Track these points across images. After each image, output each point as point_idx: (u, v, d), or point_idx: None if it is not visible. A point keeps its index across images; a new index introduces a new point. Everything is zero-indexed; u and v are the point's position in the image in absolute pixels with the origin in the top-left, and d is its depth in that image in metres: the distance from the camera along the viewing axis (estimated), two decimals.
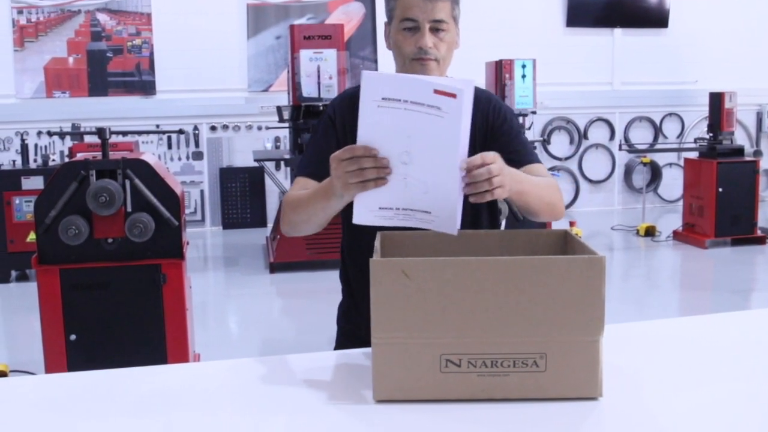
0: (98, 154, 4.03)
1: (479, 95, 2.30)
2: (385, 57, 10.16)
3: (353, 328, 2.48)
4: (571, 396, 1.69)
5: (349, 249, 2.46)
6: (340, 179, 1.84)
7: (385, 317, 1.67)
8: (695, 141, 9.18)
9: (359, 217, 1.87)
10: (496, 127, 2.32)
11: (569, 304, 1.65)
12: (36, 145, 9.51)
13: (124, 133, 5.31)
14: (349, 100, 2.31)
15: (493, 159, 1.82)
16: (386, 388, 1.70)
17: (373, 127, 1.77)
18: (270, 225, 9.66)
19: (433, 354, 1.68)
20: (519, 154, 2.29)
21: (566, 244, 1.98)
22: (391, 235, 1.98)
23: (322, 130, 2.34)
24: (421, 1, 2.14)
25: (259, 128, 10.12)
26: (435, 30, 2.17)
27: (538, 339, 1.67)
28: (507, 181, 1.86)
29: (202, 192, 10.22)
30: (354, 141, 1.86)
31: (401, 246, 1.99)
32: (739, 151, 8.46)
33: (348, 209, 2.14)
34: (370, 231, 1.92)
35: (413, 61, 2.19)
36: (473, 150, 2.11)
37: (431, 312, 1.66)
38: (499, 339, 1.67)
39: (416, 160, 1.78)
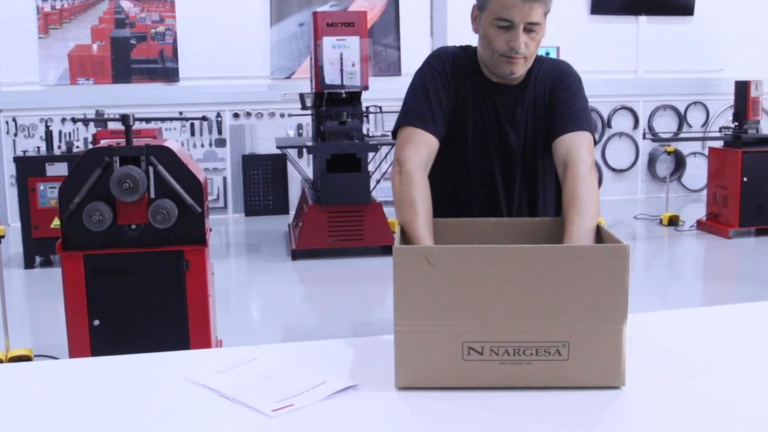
0: (122, 141, 4.05)
1: (553, 67, 2.40)
2: (408, 43, 10.16)
3: None
4: (593, 385, 1.68)
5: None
6: None
7: (407, 304, 1.67)
8: (720, 130, 9.09)
9: None
10: (558, 90, 2.36)
11: (592, 292, 1.65)
12: (60, 132, 9.56)
13: (148, 120, 5.34)
14: (450, 59, 2.37)
15: None
16: (408, 375, 1.71)
17: None
18: (292, 212, 9.67)
19: (456, 342, 1.68)
20: (567, 121, 2.30)
21: (596, 234, 1.97)
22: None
23: (429, 76, 2.35)
24: (520, 2, 2.14)
25: (282, 115, 10.12)
26: (528, 30, 2.18)
27: (560, 328, 1.66)
28: None
29: (224, 179, 10.25)
30: (457, 91, 2.18)
31: (436, 234, 2.02)
32: (765, 140, 8.37)
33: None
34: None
35: (502, 57, 2.22)
36: (534, 115, 2.31)
37: (454, 300, 1.66)
38: (522, 327, 1.67)
39: None
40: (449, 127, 2.34)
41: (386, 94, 9.24)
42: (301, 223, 7.69)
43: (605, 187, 10.89)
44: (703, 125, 11.21)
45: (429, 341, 1.69)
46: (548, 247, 1.67)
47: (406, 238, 2.04)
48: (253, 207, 10.20)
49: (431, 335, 1.68)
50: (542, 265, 1.65)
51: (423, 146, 2.24)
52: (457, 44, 2.46)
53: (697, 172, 11.07)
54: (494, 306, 1.66)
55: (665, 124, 11.11)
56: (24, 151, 7.66)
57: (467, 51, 2.41)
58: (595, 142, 2.32)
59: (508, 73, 2.27)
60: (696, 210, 9.58)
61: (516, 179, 2.41)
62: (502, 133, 2.36)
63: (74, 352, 3.80)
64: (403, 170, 2.19)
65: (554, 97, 2.34)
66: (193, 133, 10.06)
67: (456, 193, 2.43)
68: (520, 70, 2.27)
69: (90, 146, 7.01)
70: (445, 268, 1.65)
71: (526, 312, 1.66)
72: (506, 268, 1.65)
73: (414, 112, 2.31)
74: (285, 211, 10.13)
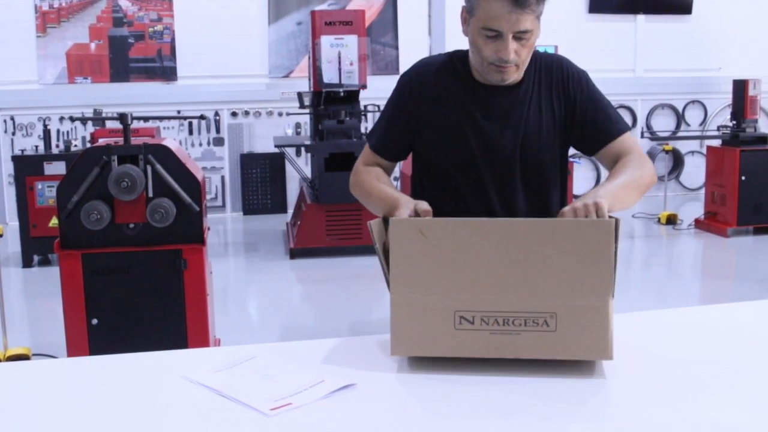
0: (120, 140, 4.04)
1: (551, 63, 2.33)
2: (407, 42, 10.15)
3: None
4: (581, 357, 1.73)
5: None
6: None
7: (402, 274, 1.75)
8: (718, 129, 9.09)
9: None
10: (580, 100, 2.30)
11: (578, 266, 1.69)
12: (58, 131, 9.56)
13: (146, 119, 5.34)
14: (427, 74, 2.34)
15: (593, 211, 1.89)
16: (403, 344, 1.77)
17: None
18: (290, 211, 9.67)
19: (448, 311, 1.74)
20: (607, 128, 2.30)
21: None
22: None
23: (395, 101, 2.37)
24: (507, 12, 2.04)
25: (280, 114, 10.12)
26: (518, 38, 2.10)
27: (547, 299, 1.71)
28: (605, 212, 1.90)
29: (222, 178, 10.25)
30: (434, 111, 2.19)
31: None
32: (763, 139, 8.38)
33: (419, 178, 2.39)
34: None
35: (491, 65, 2.15)
36: (551, 114, 2.26)
37: (446, 270, 1.72)
38: (510, 297, 1.72)
39: None
40: (449, 142, 2.30)
41: (384, 93, 9.13)
42: (299, 222, 7.69)
43: None
44: (701, 124, 11.22)
45: (423, 311, 1.75)
46: (535, 221, 1.73)
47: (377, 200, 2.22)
48: (251, 206, 10.20)
49: (425, 305, 1.74)
50: (530, 238, 1.71)
51: (367, 158, 2.43)
52: (449, 50, 2.40)
53: (695, 170, 11.07)
54: (484, 277, 1.72)
55: (663, 123, 11.12)
56: (22, 150, 7.66)
57: (456, 58, 2.34)
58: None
59: (498, 81, 2.20)
60: (694, 209, 9.58)
61: (516, 183, 2.34)
62: (500, 136, 2.28)
63: (72, 350, 3.80)
64: (355, 176, 2.42)
65: (578, 107, 2.29)
66: (191, 132, 10.06)
67: (458, 194, 2.38)
68: (512, 77, 2.19)
69: (88, 145, 7.02)
70: (438, 240, 1.73)
71: (514, 283, 1.72)
72: (495, 240, 1.72)
73: (376, 134, 2.42)
74: (283, 209, 10.13)
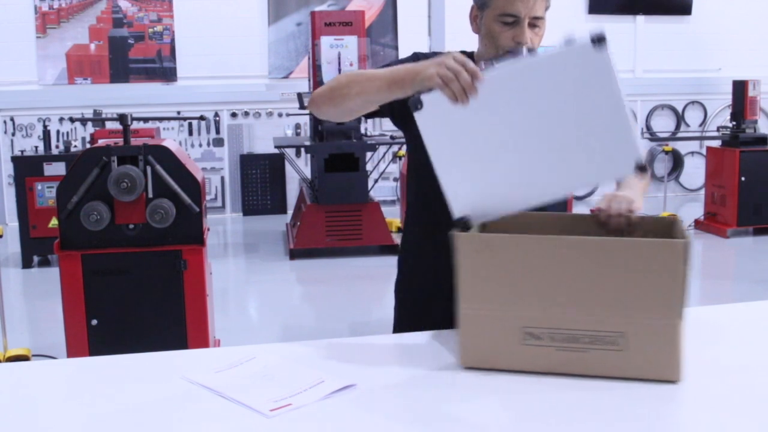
0: (120, 141, 4.05)
1: None
2: (406, 42, 10.16)
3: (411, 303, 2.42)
4: (649, 377, 1.71)
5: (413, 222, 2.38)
6: (437, 66, 1.78)
7: (470, 289, 1.76)
8: (718, 129, 9.10)
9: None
10: None
11: (649, 285, 1.67)
12: (58, 132, 9.56)
13: (146, 120, 5.34)
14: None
15: (629, 209, 1.95)
16: (471, 356, 1.79)
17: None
18: (290, 211, 9.68)
19: (515, 326, 1.75)
20: None
21: (672, 229, 1.99)
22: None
23: (394, 62, 2.25)
24: None
25: (280, 115, 10.13)
26: (532, 25, 2.13)
27: (616, 319, 1.70)
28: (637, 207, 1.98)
29: (222, 178, 10.25)
30: None
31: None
32: (763, 139, 8.38)
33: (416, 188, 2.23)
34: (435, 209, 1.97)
35: (507, 54, 2.14)
36: None
37: (514, 286, 1.73)
38: (579, 316, 1.71)
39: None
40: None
41: None
42: (299, 223, 7.69)
43: (603, 187, 10.88)
44: (700, 125, 11.22)
45: (490, 325, 1.76)
46: (605, 240, 1.72)
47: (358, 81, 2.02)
48: (251, 206, 10.20)
49: (492, 319, 1.76)
50: (600, 256, 1.69)
51: None
52: (455, 49, 2.40)
53: (694, 171, 11.08)
54: (552, 294, 1.71)
55: (663, 124, 11.12)
56: (22, 151, 7.66)
57: (463, 53, 2.32)
58: None
59: None
60: (694, 209, 9.59)
61: None
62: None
63: (72, 351, 3.80)
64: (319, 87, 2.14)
65: None
66: (191, 133, 10.06)
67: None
68: None
69: (88, 146, 7.02)
70: (506, 256, 1.72)
71: (582, 300, 1.70)
72: (564, 257, 1.70)
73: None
74: (283, 210, 10.13)
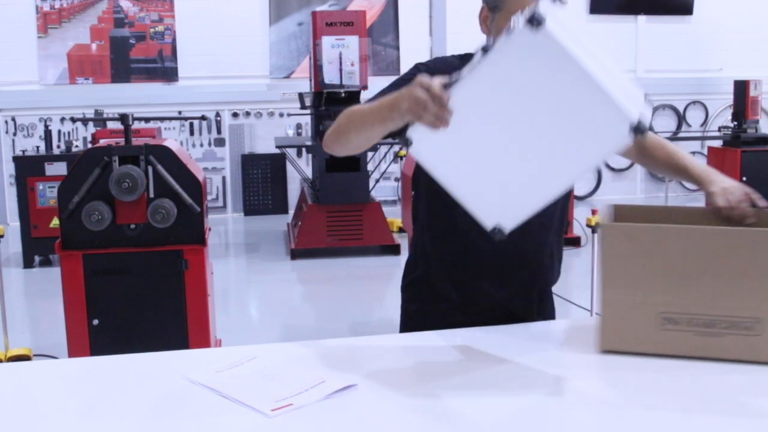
0: (121, 140, 4.05)
1: None
2: (408, 42, 10.17)
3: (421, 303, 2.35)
4: None
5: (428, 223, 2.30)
6: (407, 100, 1.73)
7: (612, 276, 1.86)
8: (719, 129, 9.09)
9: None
10: None
11: None
12: (59, 131, 9.56)
13: (147, 120, 5.35)
14: (446, 67, 2.13)
15: (744, 197, 2.01)
16: (611, 339, 1.88)
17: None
18: (291, 212, 9.68)
19: (654, 312, 1.84)
20: None
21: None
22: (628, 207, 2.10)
23: (410, 75, 2.13)
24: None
25: (281, 115, 10.13)
26: None
27: (753, 305, 1.78)
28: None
29: (224, 178, 10.25)
30: None
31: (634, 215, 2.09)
32: (764, 139, 8.37)
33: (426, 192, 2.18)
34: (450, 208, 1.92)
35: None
36: None
37: (654, 273, 1.83)
38: (715, 302, 1.80)
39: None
40: None
41: None
42: (300, 223, 7.69)
43: (604, 187, 10.89)
44: (702, 125, 11.22)
45: (630, 310, 1.85)
46: (741, 230, 1.81)
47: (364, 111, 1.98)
48: (252, 206, 10.21)
49: (633, 304, 1.84)
50: (738, 245, 1.78)
51: None
52: (452, 52, 2.33)
53: None
54: (690, 281, 1.81)
55: (664, 124, 11.12)
56: (23, 151, 7.66)
57: (471, 55, 2.32)
58: None
59: None
60: None
61: None
62: None
63: (73, 351, 3.80)
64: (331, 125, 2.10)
65: None
66: (192, 133, 10.07)
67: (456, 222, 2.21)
68: None
69: (89, 146, 7.02)
70: (647, 245, 1.82)
71: (721, 288, 1.79)
72: (703, 246, 1.79)
73: (374, 98, 2.12)
74: (284, 210, 10.13)
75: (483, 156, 1.75)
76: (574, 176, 1.81)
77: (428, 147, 1.75)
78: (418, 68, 2.20)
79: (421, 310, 2.30)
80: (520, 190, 1.78)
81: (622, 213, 2.06)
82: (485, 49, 1.63)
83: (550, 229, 2.30)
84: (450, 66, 2.21)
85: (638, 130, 1.61)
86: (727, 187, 2.05)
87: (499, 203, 1.80)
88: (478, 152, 1.74)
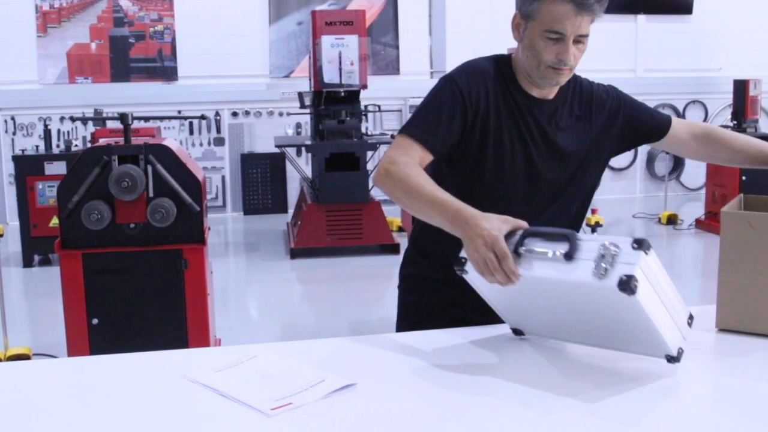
0: (120, 140, 4.05)
1: (584, 83, 2.34)
2: (407, 42, 10.16)
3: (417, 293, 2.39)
4: None
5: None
6: (474, 244, 1.78)
7: (730, 260, 2.02)
8: None
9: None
10: (620, 113, 2.35)
11: None
12: (59, 131, 9.56)
13: (146, 119, 5.35)
14: (478, 78, 2.19)
15: None
16: (729, 319, 2.03)
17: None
18: (291, 211, 9.68)
19: None
20: (656, 121, 2.40)
21: None
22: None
23: (449, 100, 2.16)
24: (573, 14, 2.06)
25: (281, 114, 10.13)
26: (577, 41, 2.11)
27: None
28: None
29: (223, 178, 10.25)
30: (492, 128, 2.11)
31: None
32: (764, 138, 8.36)
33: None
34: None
35: (549, 68, 2.11)
36: (595, 135, 2.29)
37: None
38: None
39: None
40: (477, 150, 2.20)
41: (385, 93, 9.24)
42: (299, 222, 7.69)
43: (604, 186, 10.83)
44: None
45: (747, 292, 1.99)
46: None
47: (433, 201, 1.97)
48: (251, 206, 10.21)
49: (749, 287, 1.99)
50: None
51: (412, 153, 2.11)
52: (490, 54, 2.31)
53: (695, 170, 11.07)
54: None
55: None
56: (23, 150, 7.66)
57: (501, 62, 2.26)
58: None
59: (553, 84, 2.18)
60: (695, 209, 9.59)
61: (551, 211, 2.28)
62: (550, 149, 2.23)
63: (73, 350, 3.80)
64: (393, 166, 2.07)
65: (627, 118, 2.35)
66: (191, 132, 10.07)
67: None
68: (565, 80, 2.18)
69: (89, 145, 7.02)
70: (765, 232, 1.95)
71: None
72: None
73: (420, 124, 2.16)
74: (284, 209, 10.13)
75: (530, 305, 1.88)
76: (603, 347, 1.87)
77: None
78: (452, 83, 2.18)
79: (420, 302, 2.35)
80: (553, 329, 1.93)
81: (749, 202, 2.20)
82: (568, 256, 1.70)
83: (578, 225, 2.35)
84: (484, 75, 2.21)
85: (673, 359, 1.74)
86: None
87: (528, 324, 1.97)
88: (527, 303, 1.87)
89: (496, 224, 1.78)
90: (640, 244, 1.67)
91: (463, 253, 1.83)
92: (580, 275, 1.68)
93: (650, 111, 2.42)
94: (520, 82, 2.22)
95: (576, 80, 2.30)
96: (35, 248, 7.25)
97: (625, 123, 2.34)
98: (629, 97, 2.42)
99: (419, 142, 2.12)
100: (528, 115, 2.21)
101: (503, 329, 2.04)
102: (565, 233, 1.74)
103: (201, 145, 10.13)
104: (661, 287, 1.73)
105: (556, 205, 2.28)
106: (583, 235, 1.74)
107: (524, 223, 1.80)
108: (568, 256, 1.70)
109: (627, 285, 1.61)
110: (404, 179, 2.03)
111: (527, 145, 2.21)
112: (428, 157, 2.13)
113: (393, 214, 8.63)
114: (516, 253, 1.75)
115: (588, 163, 2.30)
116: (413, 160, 2.08)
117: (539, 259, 1.74)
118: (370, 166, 7.86)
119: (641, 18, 10.91)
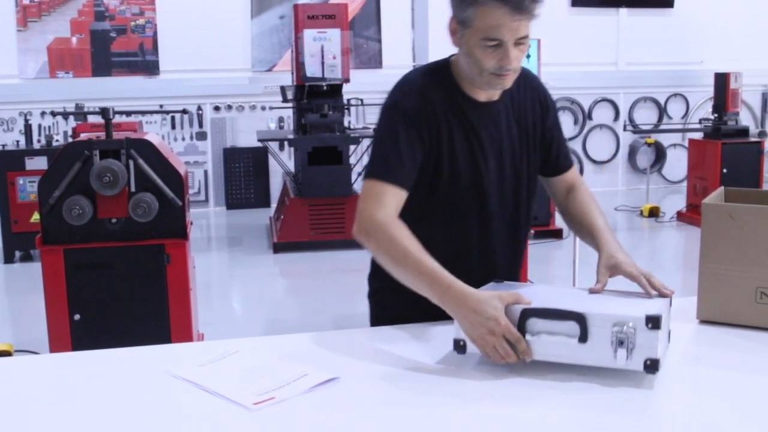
0: (102, 134, 4.03)
1: (529, 76, 2.28)
2: (390, 35, 10.16)
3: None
4: None
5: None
6: (477, 330, 1.76)
7: (711, 251, 2.05)
8: (700, 122, 9.14)
9: None
10: (546, 117, 2.29)
11: None
12: (40, 126, 9.50)
13: (128, 113, 5.31)
14: (421, 96, 2.12)
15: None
16: (708, 310, 2.06)
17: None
18: (274, 205, 9.66)
19: (750, 286, 1.99)
20: (564, 158, 2.36)
21: None
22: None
23: (403, 129, 2.08)
24: (509, 19, 1.94)
25: (263, 108, 10.10)
26: (517, 44, 2.01)
27: None
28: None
29: (205, 172, 10.22)
30: (444, 143, 2.06)
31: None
32: (744, 131, 8.43)
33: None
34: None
35: (492, 75, 2.03)
36: (532, 135, 2.25)
37: (750, 250, 1.98)
38: None
39: None
40: (433, 167, 2.13)
41: (367, 87, 9.23)
42: (282, 216, 7.68)
43: (586, 179, 10.73)
44: (683, 117, 11.27)
45: (727, 283, 2.01)
46: None
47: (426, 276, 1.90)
48: (234, 200, 10.19)
49: (729, 279, 2.01)
50: None
51: (387, 199, 2.03)
52: (423, 65, 2.24)
53: (677, 163, 11.13)
54: None
55: (645, 116, 11.17)
56: (3, 145, 7.59)
57: (438, 72, 2.18)
58: None
59: (498, 88, 2.12)
60: (676, 201, 9.64)
61: (508, 205, 2.25)
62: (500, 151, 2.18)
63: (55, 346, 3.78)
64: (373, 226, 2.01)
65: (546, 130, 2.28)
66: (173, 127, 10.03)
67: (450, 236, 2.20)
68: (511, 82, 2.10)
69: (70, 140, 6.96)
70: (745, 223, 1.98)
71: None
72: None
73: (385, 165, 2.07)
74: (266, 204, 10.11)
75: None
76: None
77: None
78: (399, 110, 2.11)
79: (393, 315, 2.22)
80: None
81: (730, 195, 2.21)
82: (582, 340, 1.71)
83: (527, 229, 2.36)
84: (426, 91, 2.12)
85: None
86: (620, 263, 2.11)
87: None
88: None
89: (496, 304, 1.76)
90: (654, 324, 1.67)
91: (459, 335, 1.79)
92: (598, 359, 1.71)
93: (564, 144, 2.37)
94: (464, 88, 2.15)
95: (522, 75, 2.19)
96: (16, 244, 7.21)
97: (543, 132, 2.29)
98: (558, 120, 2.36)
99: (390, 182, 2.04)
100: (476, 122, 2.15)
101: None
102: (573, 313, 1.72)
103: (183, 139, 10.09)
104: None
105: (513, 204, 2.25)
106: (590, 310, 1.72)
107: (518, 296, 1.78)
108: (582, 339, 1.72)
109: (654, 368, 1.67)
110: (388, 243, 1.97)
111: (480, 152, 2.15)
112: (403, 195, 2.05)
113: None
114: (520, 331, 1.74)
115: (535, 156, 2.28)
116: (391, 211, 2.01)
117: (550, 342, 1.74)
118: (353, 160, 7.86)
119: (623, 11, 10.94)
